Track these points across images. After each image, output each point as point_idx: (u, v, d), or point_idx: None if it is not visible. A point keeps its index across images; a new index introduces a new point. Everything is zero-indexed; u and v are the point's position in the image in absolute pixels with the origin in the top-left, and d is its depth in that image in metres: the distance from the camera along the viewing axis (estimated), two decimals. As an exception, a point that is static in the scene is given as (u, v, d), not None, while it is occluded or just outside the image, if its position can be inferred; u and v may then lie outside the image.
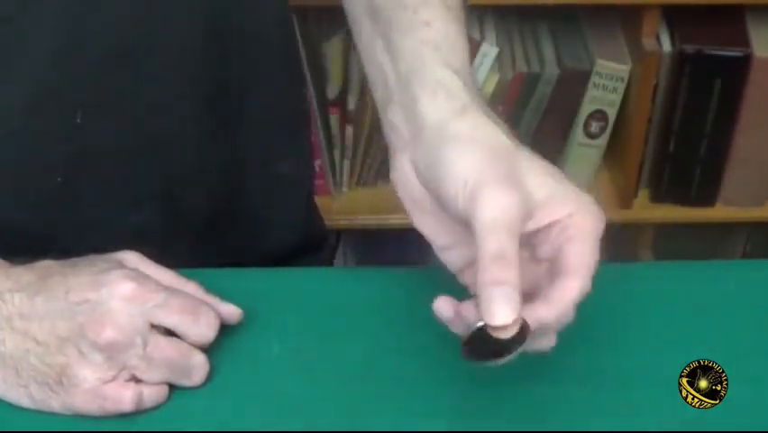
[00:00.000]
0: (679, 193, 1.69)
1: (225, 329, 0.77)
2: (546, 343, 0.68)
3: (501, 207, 0.64)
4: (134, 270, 0.74)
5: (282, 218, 0.98)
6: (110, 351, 0.71)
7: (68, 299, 0.72)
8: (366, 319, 0.79)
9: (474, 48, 1.59)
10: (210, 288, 0.80)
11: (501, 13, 1.64)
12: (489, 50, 1.59)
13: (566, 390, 0.75)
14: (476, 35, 1.60)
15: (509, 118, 1.63)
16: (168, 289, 0.74)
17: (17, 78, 0.78)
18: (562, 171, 0.69)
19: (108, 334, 0.71)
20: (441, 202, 0.68)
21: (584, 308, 0.80)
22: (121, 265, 0.74)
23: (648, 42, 1.56)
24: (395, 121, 0.72)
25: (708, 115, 1.61)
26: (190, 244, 0.91)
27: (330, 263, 1.10)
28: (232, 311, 0.77)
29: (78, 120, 0.80)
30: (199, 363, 0.74)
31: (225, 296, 0.80)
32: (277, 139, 0.95)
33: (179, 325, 0.73)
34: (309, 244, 1.02)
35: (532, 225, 0.67)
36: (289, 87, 0.96)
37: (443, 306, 0.67)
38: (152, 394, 0.73)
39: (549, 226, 0.68)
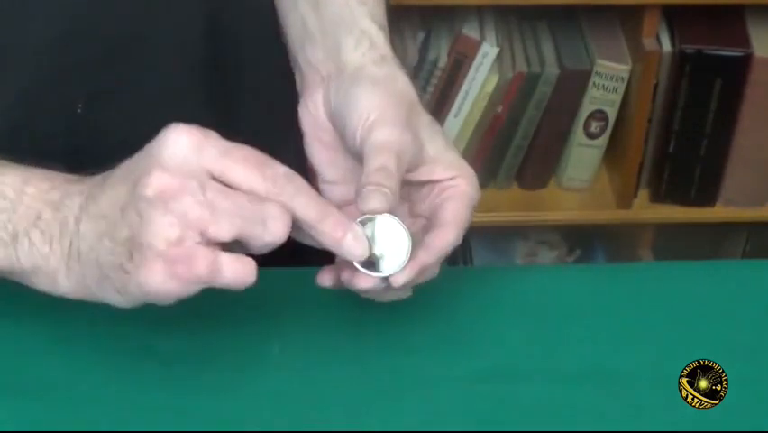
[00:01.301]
0: (679, 193, 1.69)
1: (226, 329, 0.77)
2: (402, 294, 0.73)
3: (393, 136, 0.71)
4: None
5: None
6: (164, 199, 0.64)
7: (127, 165, 0.67)
8: (366, 319, 0.79)
9: (474, 48, 1.59)
10: (209, 287, 0.80)
11: (501, 13, 1.64)
12: (489, 50, 1.59)
13: (566, 390, 0.75)
14: (476, 35, 1.61)
15: (509, 118, 1.63)
16: (233, 143, 0.67)
17: (17, 68, 0.78)
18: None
19: (156, 177, 0.64)
20: (342, 135, 0.74)
21: (584, 308, 0.81)
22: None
23: (648, 42, 1.56)
24: (313, 60, 0.78)
25: (708, 115, 1.61)
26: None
27: (330, 264, 1.09)
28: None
29: (79, 110, 0.80)
30: (274, 210, 0.65)
31: (225, 296, 0.80)
32: (271, 136, 0.95)
33: (245, 178, 0.65)
34: (301, 246, 1.02)
35: (415, 177, 0.72)
36: (283, 83, 0.97)
37: (326, 276, 0.72)
38: (231, 262, 0.65)
39: (431, 185, 0.73)
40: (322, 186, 0.77)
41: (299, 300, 0.81)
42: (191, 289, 0.65)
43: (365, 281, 0.70)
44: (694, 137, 1.63)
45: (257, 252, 0.67)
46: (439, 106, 1.63)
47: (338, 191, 0.77)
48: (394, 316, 0.79)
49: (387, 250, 0.69)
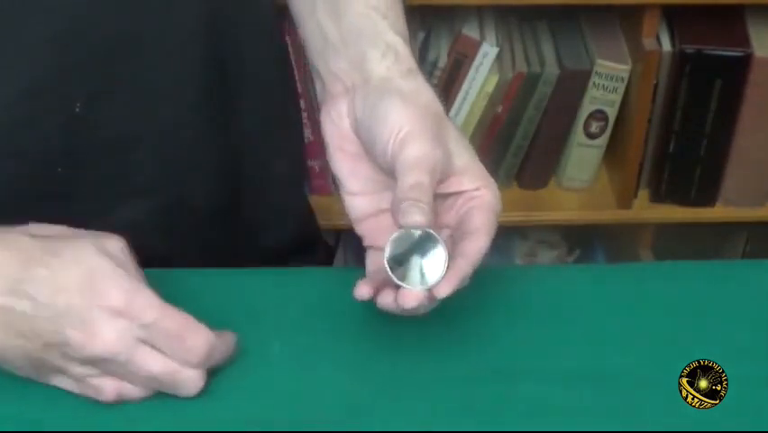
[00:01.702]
0: (679, 193, 1.69)
1: (225, 329, 0.77)
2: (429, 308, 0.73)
3: (426, 152, 0.72)
4: (123, 267, 0.73)
5: (276, 216, 0.98)
6: (93, 362, 0.71)
7: (54, 301, 0.71)
8: (366, 319, 0.79)
9: (474, 48, 1.59)
10: (209, 287, 0.80)
11: (501, 13, 1.64)
12: (489, 50, 1.59)
13: (566, 390, 0.75)
14: (476, 35, 1.60)
15: (509, 118, 1.63)
16: (161, 306, 0.72)
17: (16, 67, 0.78)
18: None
19: (93, 349, 0.70)
20: (369, 146, 0.75)
21: (584, 307, 0.81)
22: (108, 255, 0.72)
23: (648, 42, 1.56)
24: (335, 69, 0.78)
25: (708, 115, 1.61)
26: (187, 238, 0.91)
27: (330, 263, 1.10)
28: (227, 339, 0.75)
29: (78, 110, 0.80)
30: (188, 378, 0.73)
31: (225, 295, 0.80)
32: (269, 137, 0.95)
33: (166, 349, 0.72)
34: (304, 244, 1.02)
35: (443, 189, 0.73)
36: (281, 84, 0.97)
37: (364, 289, 0.72)
38: (135, 392, 0.73)
39: (457, 196, 0.74)
40: (345, 197, 0.77)
41: (299, 300, 0.81)
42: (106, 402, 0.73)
43: (413, 299, 0.70)
44: (694, 137, 1.63)
45: None
46: (439, 106, 1.63)
47: (360, 202, 0.77)
48: (394, 316, 0.79)
49: (424, 262, 0.70)
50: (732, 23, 1.60)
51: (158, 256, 0.77)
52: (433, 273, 0.70)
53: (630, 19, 1.60)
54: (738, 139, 1.63)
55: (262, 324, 0.79)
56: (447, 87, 1.62)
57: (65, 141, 0.81)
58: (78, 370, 0.72)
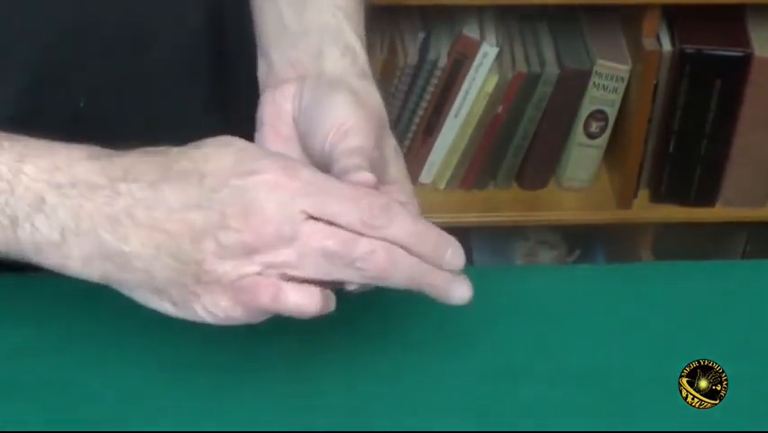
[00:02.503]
0: (679, 193, 1.69)
1: (226, 329, 0.77)
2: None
3: (367, 146, 0.70)
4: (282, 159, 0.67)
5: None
6: (258, 244, 0.64)
7: (203, 185, 0.64)
8: (366, 319, 0.79)
9: (474, 48, 1.59)
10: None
11: (501, 13, 1.64)
12: (489, 50, 1.59)
13: (566, 390, 0.75)
14: (476, 35, 1.61)
15: (509, 118, 1.63)
16: (322, 175, 0.66)
17: (19, 64, 0.78)
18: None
19: (252, 223, 0.63)
20: (307, 135, 0.73)
21: (584, 308, 0.81)
22: (265, 153, 0.67)
23: (648, 42, 1.56)
24: (291, 58, 0.77)
25: (708, 115, 1.61)
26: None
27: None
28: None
29: (82, 105, 0.80)
30: (366, 250, 0.64)
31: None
32: None
33: (342, 213, 0.64)
34: None
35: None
36: None
37: None
38: (296, 293, 0.65)
39: None
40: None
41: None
42: (256, 317, 0.66)
43: None
44: (694, 137, 1.64)
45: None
46: (439, 106, 1.64)
47: None
48: (394, 315, 0.79)
49: None
50: (732, 23, 1.60)
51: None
52: None
53: (630, 19, 1.60)
54: (738, 139, 1.63)
55: (262, 324, 0.79)
56: (447, 87, 1.62)
57: (69, 137, 0.81)
58: (232, 267, 0.64)
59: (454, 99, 1.62)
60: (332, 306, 0.67)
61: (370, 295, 0.79)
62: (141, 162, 0.66)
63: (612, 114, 1.64)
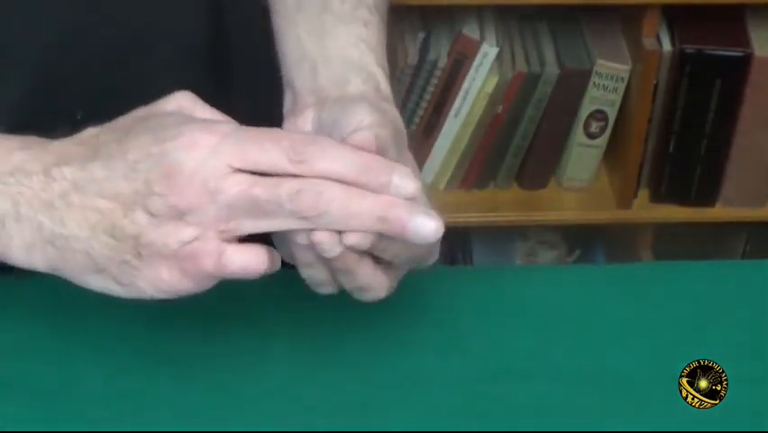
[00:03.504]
0: (679, 193, 1.69)
1: (226, 329, 0.77)
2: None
3: (386, 138, 0.67)
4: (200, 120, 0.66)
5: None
6: (184, 205, 0.63)
7: (127, 159, 0.64)
8: (366, 319, 0.79)
9: (474, 48, 1.59)
10: (210, 288, 0.80)
11: (501, 13, 1.64)
12: (489, 50, 1.59)
13: (566, 390, 0.75)
14: (476, 35, 1.61)
15: (509, 118, 1.63)
16: (245, 128, 0.65)
17: (17, 74, 0.78)
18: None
19: (172, 185, 0.63)
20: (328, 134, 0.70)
21: (584, 308, 0.81)
22: (183, 119, 0.66)
23: (648, 42, 1.56)
24: (312, 86, 0.75)
25: (708, 115, 1.61)
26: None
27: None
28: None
29: (79, 117, 0.80)
30: (298, 190, 0.63)
31: (225, 295, 0.80)
32: None
33: (266, 159, 0.63)
34: None
35: None
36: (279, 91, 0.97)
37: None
38: (240, 254, 0.64)
39: None
40: None
41: (299, 300, 0.81)
42: (203, 285, 0.65)
43: (323, 237, 0.64)
44: (694, 137, 1.64)
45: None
46: (439, 106, 1.64)
47: None
48: (394, 316, 0.79)
49: None
50: (732, 23, 1.60)
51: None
52: None
53: (630, 19, 1.60)
54: (738, 139, 1.63)
55: (262, 324, 0.79)
56: (447, 87, 1.62)
57: None
58: (168, 234, 0.63)
59: (454, 99, 1.62)
60: (277, 264, 0.65)
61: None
62: (72, 146, 0.66)
63: (612, 114, 1.64)
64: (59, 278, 0.78)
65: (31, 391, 0.74)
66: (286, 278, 0.83)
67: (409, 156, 0.72)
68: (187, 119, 0.66)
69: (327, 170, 0.63)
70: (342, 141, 0.66)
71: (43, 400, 0.74)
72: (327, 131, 0.71)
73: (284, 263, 0.74)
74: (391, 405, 0.75)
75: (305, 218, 0.63)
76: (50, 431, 0.72)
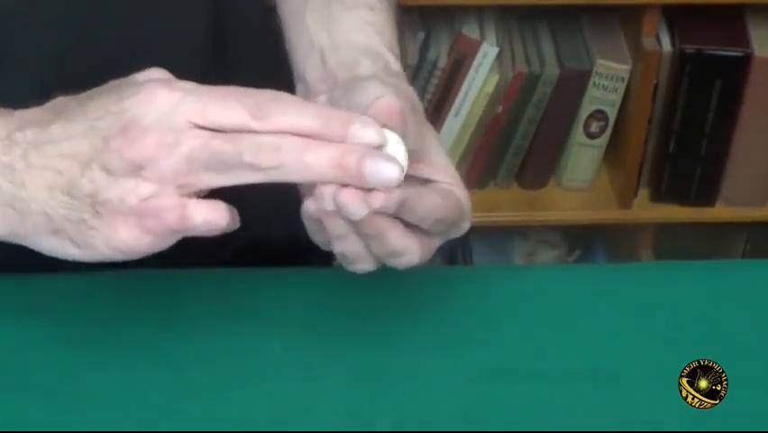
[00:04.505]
0: (679, 193, 1.69)
1: (226, 329, 0.77)
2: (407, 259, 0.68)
3: (407, 108, 0.66)
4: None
5: (274, 218, 0.98)
6: (141, 158, 0.62)
7: (87, 117, 0.64)
8: (366, 319, 0.79)
9: (474, 48, 1.59)
10: (209, 288, 0.80)
11: (501, 13, 1.64)
12: (489, 50, 1.59)
13: (566, 390, 0.75)
14: (476, 35, 1.61)
15: (509, 118, 1.63)
16: (208, 86, 0.64)
17: (18, 77, 0.78)
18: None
19: (130, 137, 0.62)
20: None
21: (584, 308, 0.81)
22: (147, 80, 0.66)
23: (648, 42, 1.56)
24: (322, 74, 0.74)
25: (708, 115, 1.61)
26: (186, 241, 0.91)
27: (330, 264, 1.10)
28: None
29: None
30: (258, 143, 0.62)
31: (225, 296, 0.80)
32: None
33: (227, 115, 0.62)
34: (302, 245, 1.02)
35: (414, 170, 0.67)
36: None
37: (311, 202, 0.65)
38: (201, 208, 0.63)
39: (428, 184, 0.68)
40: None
41: (299, 300, 0.81)
42: (164, 242, 0.64)
43: (347, 197, 0.62)
44: (694, 137, 1.64)
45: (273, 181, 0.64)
46: (439, 106, 1.64)
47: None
48: (394, 315, 0.79)
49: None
50: (732, 23, 1.60)
51: (157, 260, 0.77)
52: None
53: (630, 19, 1.60)
54: (738, 139, 1.63)
55: (262, 324, 0.79)
56: (447, 87, 1.62)
57: None
58: (126, 190, 0.62)
59: (454, 99, 1.62)
60: (237, 222, 0.65)
61: (369, 295, 0.80)
62: (36, 112, 0.66)
63: (612, 114, 1.64)
64: (59, 278, 0.79)
65: (31, 391, 0.74)
66: (287, 278, 0.83)
67: (429, 128, 0.71)
68: (151, 79, 0.65)
69: (289, 125, 0.63)
70: (365, 110, 0.65)
71: (43, 400, 0.74)
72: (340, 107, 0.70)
73: (295, 262, 0.74)
74: (391, 405, 0.75)
75: (263, 170, 0.62)
76: (50, 431, 0.72)
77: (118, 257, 0.64)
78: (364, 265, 0.68)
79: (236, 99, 0.63)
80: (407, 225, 0.66)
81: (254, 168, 0.62)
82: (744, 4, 1.60)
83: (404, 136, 0.65)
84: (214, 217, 0.63)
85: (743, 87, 1.59)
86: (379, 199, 0.63)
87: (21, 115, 0.66)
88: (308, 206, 0.66)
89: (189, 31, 0.83)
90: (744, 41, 1.58)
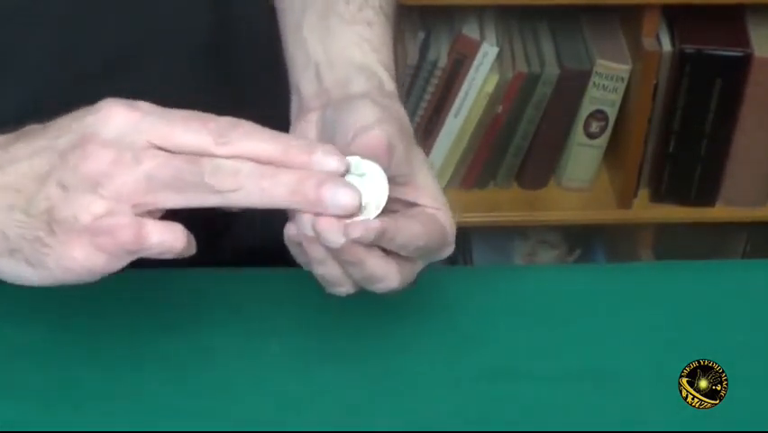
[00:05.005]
0: (679, 193, 1.69)
1: (225, 329, 0.77)
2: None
3: (394, 135, 0.66)
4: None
5: (274, 219, 0.98)
6: (96, 174, 0.61)
7: (47, 136, 0.64)
8: (366, 319, 0.79)
9: (474, 48, 1.59)
10: (208, 288, 0.80)
11: (501, 13, 1.64)
12: (489, 50, 1.59)
13: (566, 390, 0.75)
14: (476, 35, 1.61)
15: (509, 118, 1.63)
16: (169, 109, 0.64)
17: (18, 81, 0.78)
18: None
19: (88, 151, 0.61)
20: (329, 140, 0.69)
21: (584, 308, 0.81)
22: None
23: (648, 42, 1.56)
24: (317, 89, 0.74)
25: (708, 115, 1.61)
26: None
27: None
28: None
29: None
30: (218, 165, 0.62)
31: (224, 296, 0.80)
32: None
33: (188, 138, 0.62)
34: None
35: (401, 194, 0.68)
36: (287, 100, 0.97)
37: (292, 226, 0.66)
38: (158, 229, 0.62)
39: (413, 208, 0.69)
40: None
41: (299, 300, 0.81)
42: (118, 262, 0.63)
43: (325, 225, 0.63)
44: (694, 137, 1.64)
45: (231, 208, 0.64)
46: (439, 106, 1.64)
47: None
48: (394, 315, 0.79)
49: (364, 194, 0.65)
50: (732, 23, 1.60)
51: (154, 262, 0.77)
52: (369, 208, 0.65)
53: (630, 19, 1.60)
54: (738, 139, 1.63)
55: (261, 324, 0.79)
56: (447, 87, 1.62)
57: None
58: (80, 207, 0.61)
59: (454, 99, 1.62)
60: (193, 248, 0.64)
61: (369, 295, 0.79)
62: (3, 137, 0.66)
63: (612, 114, 1.64)
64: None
65: (31, 391, 0.74)
66: (285, 278, 0.83)
67: (418, 150, 0.71)
68: (115, 99, 0.65)
69: (250, 150, 0.63)
70: (352, 140, 0.66)
71: (43, 400, 0.74)
72: (330, 131, 0.71)
73: (290, 264, 0.74)
74: (391, 405, 0.75)
75: (221, 193, 0.62)
76: (50, 431, 0.72)
77: (70, 278, 0.63)
78: (343, 289, 0.69)
79: (200, 123, 0.63)
80: (387, 251, 0.67)
81: (213, 190, 0.62)
82: (744, 4, 1.60)
83: (387, 169, 0.65)
84: (169, 239, 0.63)
85: (743, 87, 1.59)
86: (357, 230, 0.63)
87: None
88: (289, 229, 0.67)
89: (190, 31, 0.83)
90: (744, 41, 1.58)
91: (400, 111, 0.72)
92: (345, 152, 0.66)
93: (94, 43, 0.78)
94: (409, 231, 0.66)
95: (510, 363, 0.77)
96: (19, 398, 0.74)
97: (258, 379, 0.76)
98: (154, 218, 0.63)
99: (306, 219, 0.64)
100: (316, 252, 0.66)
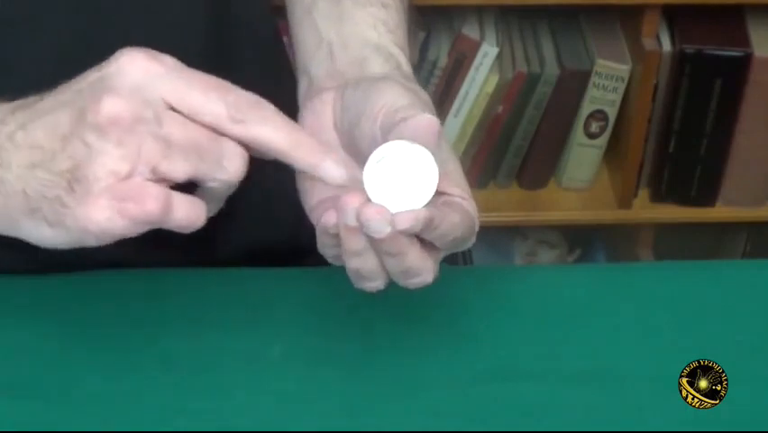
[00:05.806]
0: (679, 193, 1.69)
1: (226, 329, 0.77)
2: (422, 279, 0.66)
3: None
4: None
5: (274, 219, 0.98)
6: (116, 129, 0.60)
7: (71, 89, 0.63)
8: (366, 319, 0.79)
9: (474, 48, 1.59)
10: (208, 288, 0.80)
11: (501, 13, 1.64)
12: (489, 50, 1.59)
13: (566, 390, 0.75)
14: (476, 35, 1.61)
15: (509, 118, 1.63)
16: (193, 69, 0.63)
17: (22, 83, 0.78)
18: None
19: (108, 104, 0.60)
20: (350, 127, 0.67)
21: (584, 308, 0.81)
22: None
23: (648, 42, 1.56)
24: (330, 71, 0.73)
25: (708, 115, 1.61)
26: (185, 243, 0.91)
27: (328, 264, 1.09)
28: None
29: None
30: (231, 148, 0.61)
31: (225, 296, 0.80)
32: None
33: (206, 106, 0.61)
34: (301, 246, 1.02)
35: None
36: (283, 90, 0.97)
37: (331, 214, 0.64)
38: (183, 203, 0.61)
39: (437, 196, 0.66)
40: (304, 183, 0.71)
41: (299, 300, 0.81)
42: (137, 228, 0.61)
43: (373, 214, 0.60)
44: (694, 137, 1.64)
45: (212, 190, 0.64)
46: (439, 106, 1.63)
47: (319, 190, 0.69)
48: (394, 316, 0.79)
49: (408, 183, 0.62)
50: (732, 23, 1.60)
51: (156, 261, 0.77)
52: (411, 200, 0.62)
53: (630, 19, 1.60)
54: (738, 139, 1.63)
55: (262, 324, 0.79)
56: (447, 87, 1.62)
57: None
58: (101, 167, 0.60)
59: (454, 99, 1.62)
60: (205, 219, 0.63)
61: (369, 295, 0.80)
62: (31, 98, 0.65)
63: (612, 114, 1.64)
64: (59, 278, 0.79)
65: (30, 391, 0.74)
66: (286, 278, 0.83)
67: (444, 137, 0.68)
68: (133, 48, 0.64)
69: (261, 137, 0.62)
70: (398, 123, 0.63)
71: (43, 400, 0.74)
72: (353, 112, 0.69)
73: (294, 263, 0.74)
74: (391, 405, 0.75)
75: (228, 177, 0.62)
76: (50, 431, 0.72)
77: (87, 240, 0.62)
78: (376, 283, 0.67)
79: (220, 94, 0.62)
80: (423, 243, 0.65)
81: (223, 171, 0.62)
82: (744, 4, 1.60)
83: (435, 153, 0.63)
84: (193, 216, 0.62)
85: (743, 87, 1.59)
86: (407, 220, 0.61)
87: (19, 101, 0.66)
88: (328, 219, 0.64)
89: (190, 33, 0.83)
90: (744, 41, 1.58)
91: (426, 95, 0.70)
92: (373, 133, 0.65)
93: (95, 50, 0.78)
94: (450, 221, 0.64)
95: (510, 363, 0.77)
96: (19, 398, 0.74)
97: (258, 379, 0.76)
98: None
99: (350, 207, 0.62)
100: (355, 243, 0.64)
